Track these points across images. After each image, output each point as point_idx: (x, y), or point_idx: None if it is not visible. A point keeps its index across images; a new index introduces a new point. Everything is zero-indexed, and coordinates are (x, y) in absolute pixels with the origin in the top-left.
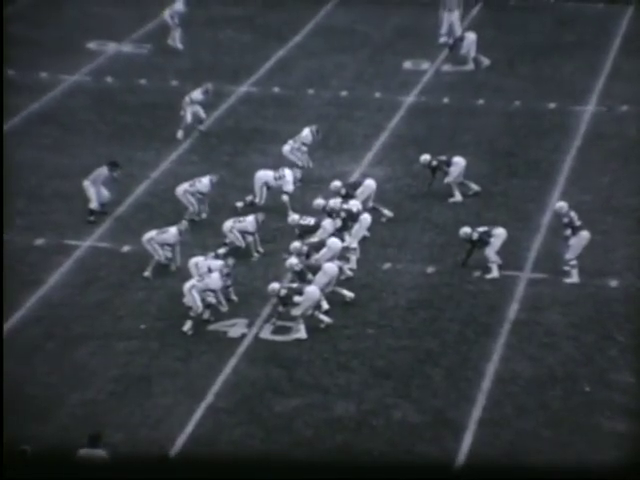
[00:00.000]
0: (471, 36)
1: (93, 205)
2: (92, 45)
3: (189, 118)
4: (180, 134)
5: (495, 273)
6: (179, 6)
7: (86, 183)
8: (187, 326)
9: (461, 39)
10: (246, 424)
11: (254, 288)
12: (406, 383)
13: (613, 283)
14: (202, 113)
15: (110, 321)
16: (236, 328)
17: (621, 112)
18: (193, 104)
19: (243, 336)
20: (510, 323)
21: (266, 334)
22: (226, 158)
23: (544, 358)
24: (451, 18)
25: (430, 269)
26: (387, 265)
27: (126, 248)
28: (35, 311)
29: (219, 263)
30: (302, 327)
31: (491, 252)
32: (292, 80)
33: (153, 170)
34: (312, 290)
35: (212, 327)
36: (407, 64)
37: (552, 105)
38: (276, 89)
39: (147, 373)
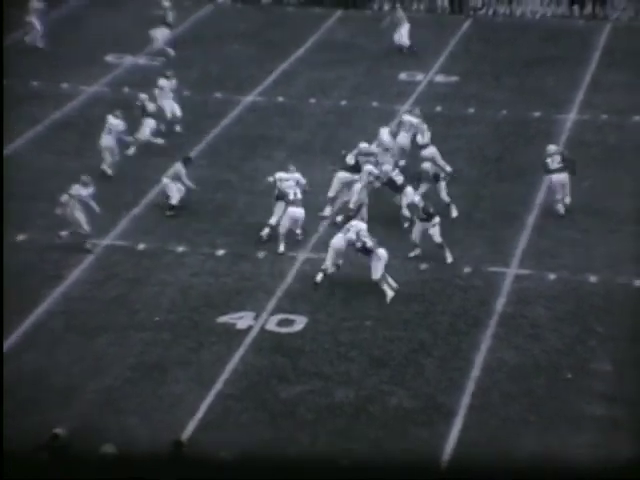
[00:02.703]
0: None
1: (174, 201)
2: (110, 58)
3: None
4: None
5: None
6: (37, 4)
7: (166, 181)
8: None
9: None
10: (253, 410)
11: (260, 283)
12: (401, 371)
13: (593, 279)
14: (177, 110)
15: (126, 314)
16: (243, 320)
17: (601, 121)
18: (166, 97)
19: (250, 328)
20: (498, 316)
21: (272, 326)
22: (234, 163)
23: (529, 348)
24: (401, 31)
25: (423, 266)
26: None
27: (141, 246)
28: (57, 305)
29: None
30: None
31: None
32: (295, 90)
33: (165, 173)
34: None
35: (221, 319)
36: (402, 76)
37: (537, 114)
38: (280, 99)
39: (161, 362)
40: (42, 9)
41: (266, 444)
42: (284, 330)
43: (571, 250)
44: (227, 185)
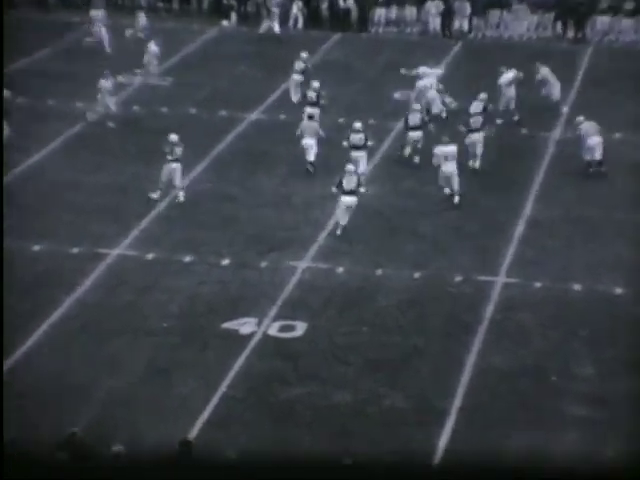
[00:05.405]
0: None
1: (312, 157)
2: (121, 78)
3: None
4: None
5: None
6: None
7: (309, 141)
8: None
9: None
10: (255, 410)
11: (262, 291)
12: (395, 375)
13: (575, 286)
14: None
15: (137, 319)
16: (247, 326)
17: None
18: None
19: (253, 333)
20: (487, 322)
21: (273, 331)
22: (237, 177)
23: (516, 352)
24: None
25: (417, 274)
26: (379, 271)
27: (150, 255)
28: (72, 310)
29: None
30: None
31: None
32: (296, 108)
33: (174, 187)
34: None
35: (226, 325)
36: (396, 95)
37: (524, 131)
38: (282, 116)
39: (169, 365)
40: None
41: (267, 443)
42: (285, 335)
43: (555, 259)
44: (231, 198)
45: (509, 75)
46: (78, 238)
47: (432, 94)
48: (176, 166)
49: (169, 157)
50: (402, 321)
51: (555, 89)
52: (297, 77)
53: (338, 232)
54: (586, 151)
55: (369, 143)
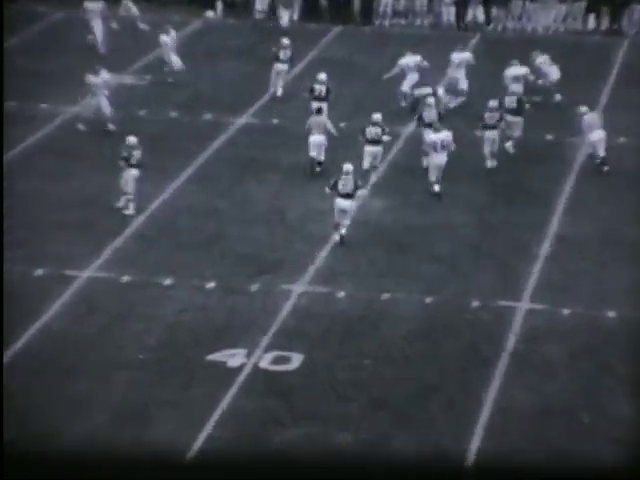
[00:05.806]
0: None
1: (322, 157)
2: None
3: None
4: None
5: None
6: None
7: (318, 138)
8: None
9: None
10: (245, 454)
11: (253, 318)
12: (404, 413)
13: (610, 314)
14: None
15: (109, 351)
16: (235, 358)
17: (618, 144)
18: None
19: (242, 366)
20: (508, 353)
21: (265, 364)
22: (224, 188)
23: (542, 389)
24: None
25: (428, 299)
26: (385, 296)
27: (125, 278)
28: (35, 341)
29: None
30: None
31: None
32: (291, 111)
33: (151, 202)
34: None
35: (211, 357)
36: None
37: (549, 136)
38: (275, 120)
39: (146, 403)
40: (100, 10)
41: None
42: (278, 369)
43: (586, 282)
44: (217, 212)
45: (518, 70)
46: (42, 258)
47: (413, 76)
48: (135, 172)
49: (128, 163)
50: (411, 353)
51: (553, 72)
52: (281, 66)
53: (342, 231)
54: (587, 146)
55: (385, 137)
